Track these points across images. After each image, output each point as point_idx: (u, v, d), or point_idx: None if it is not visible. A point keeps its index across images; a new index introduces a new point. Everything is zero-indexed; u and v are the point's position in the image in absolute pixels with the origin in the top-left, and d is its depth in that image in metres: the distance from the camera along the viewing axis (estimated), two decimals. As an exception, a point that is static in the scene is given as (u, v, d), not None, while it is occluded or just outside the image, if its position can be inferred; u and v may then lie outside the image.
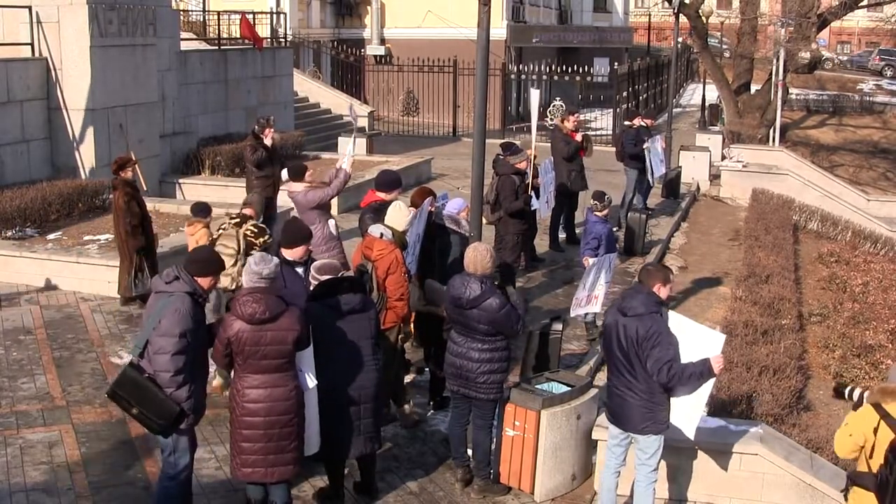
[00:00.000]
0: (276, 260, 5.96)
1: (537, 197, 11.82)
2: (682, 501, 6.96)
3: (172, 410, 5.70)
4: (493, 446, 7.08)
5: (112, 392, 5.83)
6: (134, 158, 10.70)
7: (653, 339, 6.02)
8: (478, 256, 6.70)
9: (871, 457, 5.43)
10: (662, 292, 6.29)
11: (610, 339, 6.27)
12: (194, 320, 5.74)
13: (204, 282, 5.88)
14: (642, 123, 15.85)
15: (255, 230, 8.46)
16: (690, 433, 6.35)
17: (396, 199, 8.53)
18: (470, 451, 7.03)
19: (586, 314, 9.92)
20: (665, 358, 6.01)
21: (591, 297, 9.33)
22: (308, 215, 9.40)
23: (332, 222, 9.59)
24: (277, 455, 5.84)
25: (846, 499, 5.68)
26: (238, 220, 8.52)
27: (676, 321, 6.30)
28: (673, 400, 6.25)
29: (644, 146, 15.13)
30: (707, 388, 6.20)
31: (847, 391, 5.89)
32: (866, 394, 5.67)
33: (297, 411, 5.88)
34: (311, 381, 6.02)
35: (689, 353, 6.13)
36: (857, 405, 5.68)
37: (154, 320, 5.69)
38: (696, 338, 6.21)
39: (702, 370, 6.03)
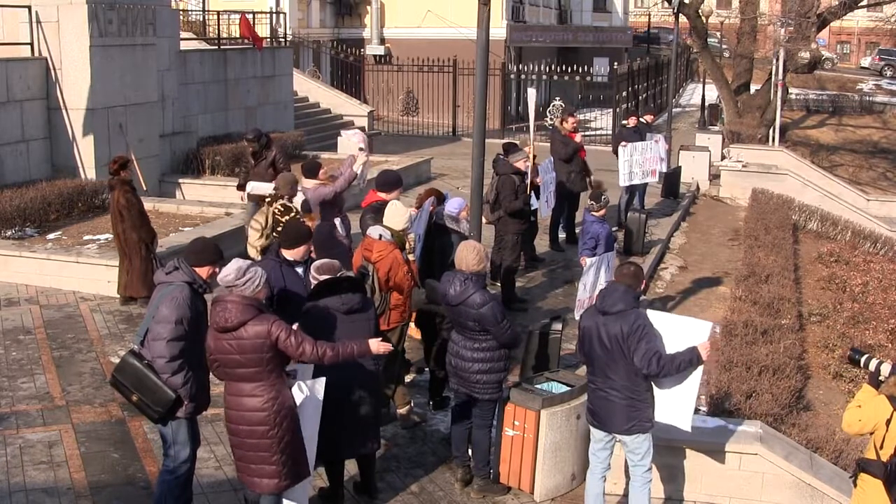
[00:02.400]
0: (242, 266, 5.64)
1: (537, 197, 11.82)
2: (682, 501, 6.96)
3: (169, 397, 5.75)
4: (493, 446, 7.08)
5: (113, 379, 5.94)
6: (130, 158, 10.70)
7: (638, 333, 5.99)
8: (463, 254, 6.73)
9: (881, 447, 5.46)
10: (638, 288, 6.29)
11: (591, 340, 6.19)
12: (192, 309, 5.78)
13: (202, 271, 5.93)
14: (642, 120, 15.82)
15: (282, 209, 9.09)
16: (686, 425, 6.27)
17: (395, 199, 8.53)
18: (470, 451, 7.03)
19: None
20: (653, 349, 5.99)
21: (594, 297, 9.33)
22: (317, 211, 9.46)
23: (337, 221, 9.57)
24: (258, 466, 5.65)
25: (854, 484, 5.70)
26: (270, 199, 9.26)
27: (658, 318, 6.27)
28: (662, 395, 6.22)
29: (621, 145, 14.92)
30: (696, 377, 6.15)
31: (863, 360, 5.79)
32: (884, 366, 5.63)
33: (278, 424, 5.58)
34: (300, 394, 5.76)
35: (676, 346, 6.09)
36: (873, 377, 5.65)
37: (154, 308, 5.79)
38: (682, 330, 6.18)
39: (690, 358, 6.02)
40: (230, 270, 5.58)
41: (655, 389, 6.24)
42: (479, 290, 6.61)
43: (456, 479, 7.07)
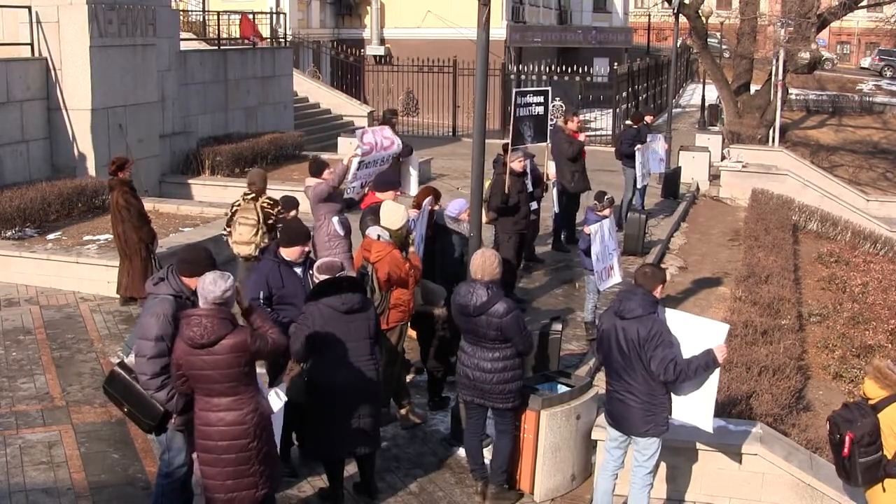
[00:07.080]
0: (230, 282, 5.42)
1: (534, 197, 11.77)
2: (682, 502, 6.96)
3: (158, 411, 5.67)
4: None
5: (104, 389, 5.90)
6: (130, 159, 10.71)
7: (655, 340, 6.00)
8: (485, 262, 6.57)
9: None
10: (658, 293, 6.29)
11: (609, 343, 6.19)
12: (174, 324, 5.53)
13: (192, 282, 5.66)
14: (645, 121, 15.84)
15: (270, 202, 9.46)
16: (707, 426, 6.29)
17: (389, 200, 8.54)
18: (488, 461, 6.98)
19: (586, 314, 9.98)
20: (669, 356, 6.00)
21: (607, 268, 9.50)
22: (316, 211, 9.48)
23: (336, 219, 9.56)
24: (235, 481, 5.43)
25: (883, 489, 5.76)
26: (253, 195, 9.50)
27: (676, 317, 6.29)
28: (680, 398, 6.23)
29: (636, 148, 15.05)
30: (714, 379, 6.18)
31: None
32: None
33: (258, 436, 5.44)
34: (278, 401, 5.63)
35: (692, 347, 6.11)
36: None
37: (140, 321, 5.71)
38: (698, 331, 6.19)
39: (706, 361, 6.03)
40: (224, 285, 5.33)
41: (674, 392, 6.24)
42: (501, 298, 6.49)
43: (475, 493, 6.91)
